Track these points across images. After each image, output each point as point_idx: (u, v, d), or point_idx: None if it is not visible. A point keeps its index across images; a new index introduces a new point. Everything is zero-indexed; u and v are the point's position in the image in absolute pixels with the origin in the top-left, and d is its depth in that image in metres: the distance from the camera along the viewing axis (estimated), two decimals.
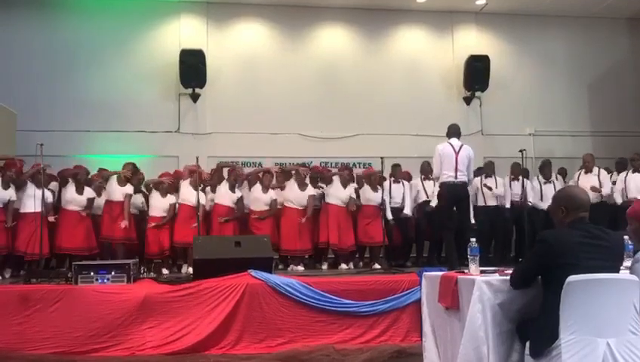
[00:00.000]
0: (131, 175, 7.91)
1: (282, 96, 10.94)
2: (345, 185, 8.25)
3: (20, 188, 7.47)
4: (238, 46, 11.16)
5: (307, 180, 8.32)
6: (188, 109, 10.77)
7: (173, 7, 10.99)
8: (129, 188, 7.83)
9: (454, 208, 6.90)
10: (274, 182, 8.42)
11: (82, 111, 10.25)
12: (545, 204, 8.41)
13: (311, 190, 8.21)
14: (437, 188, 7.31)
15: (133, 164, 8.12)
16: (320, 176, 8.65)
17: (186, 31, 10.97)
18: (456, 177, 6.74)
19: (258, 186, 8.17)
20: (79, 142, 10.03)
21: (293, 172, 8.41)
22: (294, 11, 11.27)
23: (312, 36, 11.43)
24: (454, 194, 6.80)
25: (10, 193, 7.36)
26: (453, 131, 7.04)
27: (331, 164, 10.16)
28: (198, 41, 10.73)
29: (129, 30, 10.78)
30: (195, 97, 10.67)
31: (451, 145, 6.87)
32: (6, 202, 7.33)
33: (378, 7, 11.36)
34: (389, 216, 8.32)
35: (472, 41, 11.64)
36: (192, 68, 10.29)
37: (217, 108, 10.82)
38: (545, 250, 3.04)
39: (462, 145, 6.89)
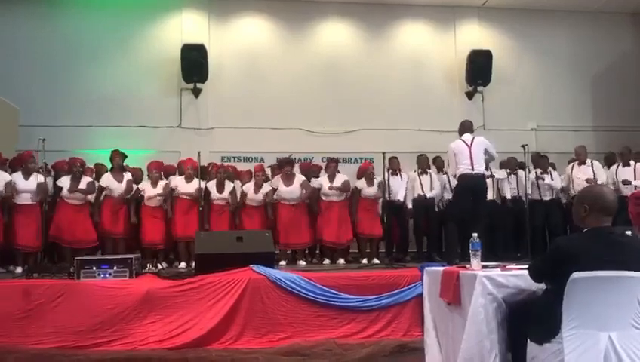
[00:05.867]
0: (121, 162, 7.87)
1: (284, 91, 10.94)
2: (331, 178, 8.16)
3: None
4: (239, 41, 11.15)
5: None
6: (189, 104, 10.79)
7: (174, 1, 10.99)
8: (128, 175, 7.84)
9: (470, 200, 6.85)
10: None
11: (84, 106, 10.28)
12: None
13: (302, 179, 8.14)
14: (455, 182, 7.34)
15: (117, 152, 8.00)
16: (310, 172, 8.65)
17: (187, 26, 10.97)
18: (472, 169, 6.76)
19: (250, 185, 8.13)
20: (81, 137, 10.04)
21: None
22: (296, 6, 11.26)
23: (314, 31, 11.41)
24: (470, 185, 6.80)
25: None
26: (466, 128, 7.08)
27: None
28: (200, 35, 10.74)
29: (131, 25, 10.79)
30: (196, 92, 10.68)
31: (463, 141, 6.90)
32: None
33: (380, 1, 11.33)
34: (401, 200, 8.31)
35: (474, 35, 11.62)
36: (194, 63, 10.29)
37: (219, 103, 10.83)
38: (559, 264, 2.95)
39: (473, 138, 6.92)
